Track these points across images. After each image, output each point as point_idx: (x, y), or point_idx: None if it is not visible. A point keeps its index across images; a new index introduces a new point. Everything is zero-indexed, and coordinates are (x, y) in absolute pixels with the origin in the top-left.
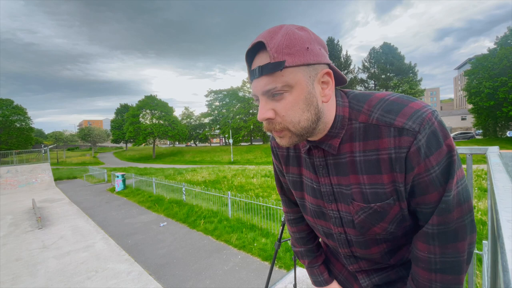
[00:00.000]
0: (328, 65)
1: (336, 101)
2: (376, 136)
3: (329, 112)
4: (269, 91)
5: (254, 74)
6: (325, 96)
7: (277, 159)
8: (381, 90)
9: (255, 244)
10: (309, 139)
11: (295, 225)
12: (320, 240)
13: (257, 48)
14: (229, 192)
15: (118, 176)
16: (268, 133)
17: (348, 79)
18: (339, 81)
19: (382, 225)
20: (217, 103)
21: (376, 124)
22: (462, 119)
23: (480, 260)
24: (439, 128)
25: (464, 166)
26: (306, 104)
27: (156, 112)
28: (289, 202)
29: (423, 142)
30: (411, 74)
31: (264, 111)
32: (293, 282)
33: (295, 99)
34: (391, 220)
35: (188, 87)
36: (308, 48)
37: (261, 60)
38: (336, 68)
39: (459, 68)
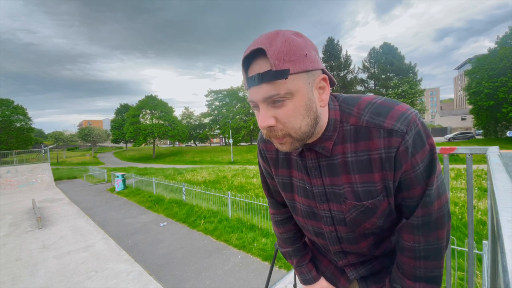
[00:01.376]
0: (322, 70)
1: (328, 104)
2: (366, 137)
3: (324, 115)
4: (270, 98)
5: (253, 81)
6: (322, 101)
7: (266, 162)
8: (381, 90)
9: (255, 244)
10: None
11: (282, 226)
12: (306, 238)
13: (255, 54)
14: (229, 192)
15: (118, 176)
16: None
17: (348, 79)
18: (330, 84)
19: (372, 220)
20: (217, 103)
21: (367, 126)
22: (462, 119)
23: (480, 260)
24: (423, 129)
25: (464, 166)
26: (306, 110)
27: (156, 112)
28: (276, 204)
29: (410, 142)
30: (411, 74)
31: (265, 119)
32: (293, 282)
33: (296, 105)
34: (380, 215)
35: (188, 87)
36: (306, 54)
37: (260, 67)
38: (328, 72)
39: (459, 68)
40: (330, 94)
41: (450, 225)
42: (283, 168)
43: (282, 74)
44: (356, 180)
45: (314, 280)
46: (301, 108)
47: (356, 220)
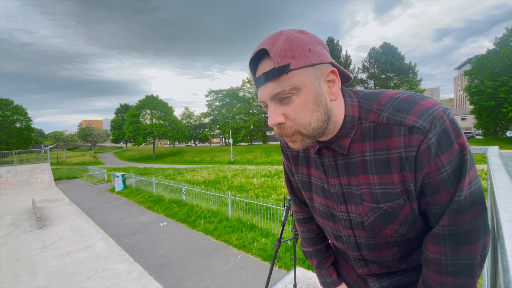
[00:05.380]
0: (331, 63)
1: (345, 101)
2: (386, 135)
3: (338, 111)
4: (277, 95)
5: (260, 81)
6: (332, 94)
7: (287, 159)
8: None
9: (255, 244)
10: (319, 139)
11: (304, 225)
12: (329, 241)
13: (259, 55)
14: (229, 192)
15: (118, 176)
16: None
17: None
18: (344, 79)
19: (393, 226)
20: (217, 103)
21: (386, 123)
22: (462, 119)
23: None
24: (451, 127)
25: None
26: (315, 104)
27: (156, 112)
28: (299, 202)
29: (433, 140)
30: (411, 74)
31: (274, 116)
32: (293, 282)
33: (304, 100)
34: (402, 221)
35: (187, 87)
36: (310, 49)
37: (265, 66)
38: (340, 66)
39: (459, 68)
40: (349, 90)
41: (487, 240)
42: (302, 166)
43: (283, 70)
44: (374, 181)
45: (334, 285)
46: (309, 103)
47: (375, 225)
